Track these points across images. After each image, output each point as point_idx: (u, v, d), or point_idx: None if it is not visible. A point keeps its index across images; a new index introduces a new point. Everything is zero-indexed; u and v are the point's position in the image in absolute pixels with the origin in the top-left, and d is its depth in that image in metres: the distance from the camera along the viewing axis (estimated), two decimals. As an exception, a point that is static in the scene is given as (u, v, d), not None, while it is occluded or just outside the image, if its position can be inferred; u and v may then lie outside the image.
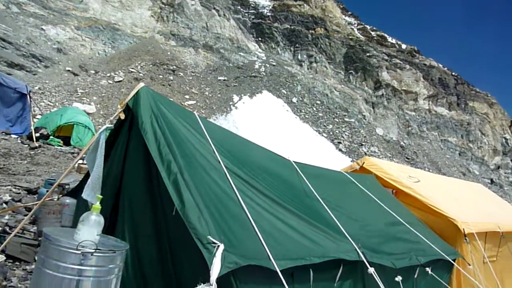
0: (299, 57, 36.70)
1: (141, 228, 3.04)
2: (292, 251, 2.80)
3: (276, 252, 2.65)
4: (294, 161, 4.47)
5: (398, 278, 3.88)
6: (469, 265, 5.46)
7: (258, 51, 36.74)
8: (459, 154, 41.15)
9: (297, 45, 37.28)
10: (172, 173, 2.71)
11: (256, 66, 33.84)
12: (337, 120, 29.43)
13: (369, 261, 3.30)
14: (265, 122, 24.96)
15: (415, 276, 4.44)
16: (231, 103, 27.46)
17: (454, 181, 9.71)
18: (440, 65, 47.63)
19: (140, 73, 26.79)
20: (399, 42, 48.41)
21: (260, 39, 38.33)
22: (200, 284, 2.22)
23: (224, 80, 30.65)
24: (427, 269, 4.51)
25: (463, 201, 7.35)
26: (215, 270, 2.22)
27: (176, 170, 2.73)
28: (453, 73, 48.70)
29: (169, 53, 31.05)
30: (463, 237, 5.51)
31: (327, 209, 3.72)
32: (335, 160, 21.20)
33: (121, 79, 25.26)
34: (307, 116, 28.29)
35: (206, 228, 2.42)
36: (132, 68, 26.86)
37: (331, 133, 27.42)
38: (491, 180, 40.72)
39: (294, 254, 2.78)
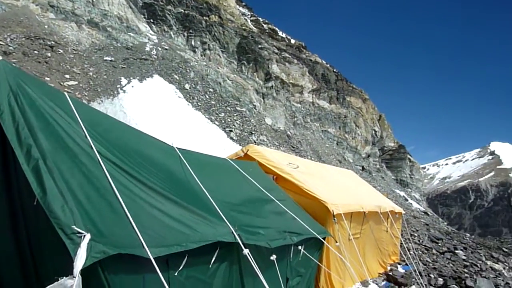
0: (193, 43, 36.07)
1: (-6, 220, 2.69)
2: (168, 238, 2.78)
3: (150, 239, 2.60)
4: (177, 148, 4.42)
5: (273, 257, 4.17)
6: (336, 242, 6.13)
7: (149, 33, 35.03)
8: (336, 144, 45.50)
9: (190, 31, 36.53)
10: (32, 158, 2.44)
11: (147, 49, 32.27)
12: (229, 109, 29.84)
13: (245, 243, 3.46)
14: (156, 107, 24.09)
15: (289, 254, 4.82)
16: (118, 86, 25.78)
17: (329, 168, 10.72)
18: (324, 62, 51.70)
19: (9, 46, 23.33)
20: (288, 37, 51.03)
21: (152, 20, 36.56)
22: (62, 278, 2.07)
23: (111, 60, 28.57)
24: (300, 247, 4.93)
25: (335, 185, 8.17)
26: (79, 261, 2.08)
27: (37, 155, 2.47)
28: (334, 70, 53.32)
29: (46, 26, 27.65)
30: (332, 218, 6.14)
31: (207, 195, 3.78)
32: (226, 148, 21.55)
33: (-16, 51, 21.70)
34: (199, 104, 28.10)
35: (71, 218, 2.25)
36: (0, 40, 23.29)
37: (223, 121, 27.72)
38: (362, 167, 46.06)
39: (170, 240, 2.76)
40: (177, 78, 29.25)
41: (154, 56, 31.23)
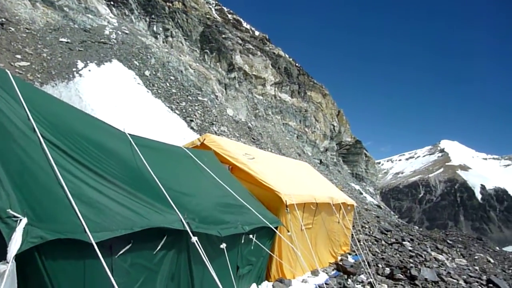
0: (155, 28, 35.08)
1: None
2: (113, 224, 2.73)
3: (94, 225, 2.55)
4: (129, 134, 4.32)
5: (223, 246, 4.20)
6: (288, 232, 6.27)
7: (109, 16, 33.69)
8: (296, 137, 46.25)
9: (153, 16, 35.49)
10: (-35, 138, 2.31)
11: (106, 32, 31.06)
12: (190, 98, 29.43)
13: (194, 231, 3.46)
14: (114, 93, 23.29)
15: (240, 243, 4.88)
16: (74, 69, 24.67)
17: (284, 160, 10.90)
18: (287, 56, 52.17)
19: (-48, 20, 21.65)
20: (252, 29, 50.94)
21: (112, 3, 35.13)
22: (-5, 263, 1.99)
23: (67, 42, 27.26)
24: (251, 236, 5.00)
25: (290, 176, 8.32)
26: (14, 246, 2.01)
27: (-30, 135, 2.34)
28: (297, 64, 53.98)
29: (-4, 2, 25.93)
30: (285, 208, 6.27)
31: (158, 182, 3.73)
32: (186, 137, 21.30)
33: None
34: (159, 91, 27.50)
35: (7, 201, 2.16)
36: None
37: (183, 110, 27.32)
38: (320, 160, 47.15)
39: (114, 226, 2.72)
40: (137, 64, 28.44)
41: (114, 40, 30.14)
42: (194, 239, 3.34)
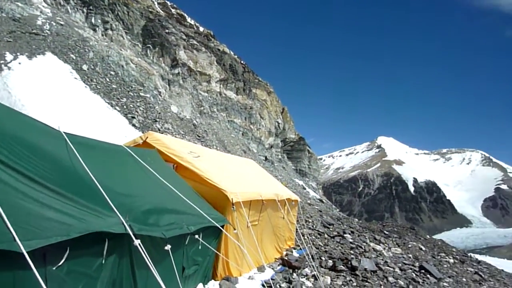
0: (93, 21, 33.27)
1: None
2: (46, 230, 2.52)
3: (24, 232, 2.35)
4: (64, 132, 4.03)
5: (168, 247, 4.08)
6: (235, 229, 6.26)
7: (42, 5, 31.45)
8: (242, 134, 46.45)
9: (90, 7, 33.62)
10: None
11: (39, 23, 29.00)
12: (132, 94, 28.37)
13: (136, 234, 3.32)
14: (48, 88, 21.84)
15: (186, 243, 4.78)
16: (2, 61, 22.78)
17: (230, 157, 10.89)
18: (232, 53, 52.14)
19: None
20: (197, 24, 50.23)
21: (45, -9, 32.91)
22: None
23: (-8, 32, 25.14)
24: (197, 236, 4.92)
25: (235, 174, 8.32)
26: None
27: None
28: (242, 62, 54.17)
29: None
30: (231, 206, 6.25)
31: (97, 184, 3.53)
32: (128, 135, 20.53)
33: None
34: (98, 87, 26.20)
35: None
36: None
37: (124, 106, 26.29)
38: (265, 157, 47.79)
39: (48, 233, 2.52)
40: (74, 57, 26.86)
41: (47, 31, 28.20)
42: (137, 242, 3.20)
